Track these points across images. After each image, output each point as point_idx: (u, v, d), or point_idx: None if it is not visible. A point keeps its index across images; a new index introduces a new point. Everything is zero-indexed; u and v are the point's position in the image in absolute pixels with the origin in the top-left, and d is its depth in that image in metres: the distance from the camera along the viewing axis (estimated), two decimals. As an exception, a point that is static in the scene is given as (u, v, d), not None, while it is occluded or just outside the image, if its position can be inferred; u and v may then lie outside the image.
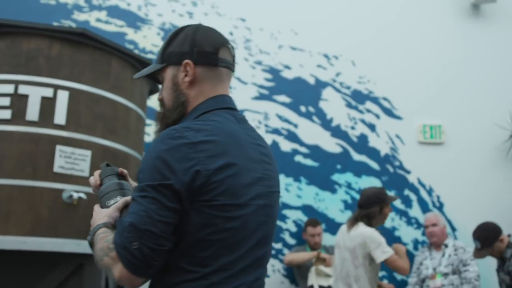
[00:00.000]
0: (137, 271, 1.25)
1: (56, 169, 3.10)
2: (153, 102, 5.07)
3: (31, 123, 3.13)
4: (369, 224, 3.48)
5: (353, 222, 3.53)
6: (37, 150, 3.09)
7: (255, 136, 1.48)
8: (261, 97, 5.46)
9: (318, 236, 4.92)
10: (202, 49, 1.44)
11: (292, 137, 5.41)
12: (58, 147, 3.14)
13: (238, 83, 5.43)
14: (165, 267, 1.30)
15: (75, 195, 3.08)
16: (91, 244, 1.38)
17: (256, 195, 1.36)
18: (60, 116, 3.19)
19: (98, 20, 5.20)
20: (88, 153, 3.24)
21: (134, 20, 5.32)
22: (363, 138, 5.61)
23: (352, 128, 5.61)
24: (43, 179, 3.06)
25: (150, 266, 1.25)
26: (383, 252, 3.36)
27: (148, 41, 5.29)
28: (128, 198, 1.41)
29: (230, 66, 1.50)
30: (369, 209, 3.50)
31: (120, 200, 1.42)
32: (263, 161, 1.44)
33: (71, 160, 3.17)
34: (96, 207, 1.48)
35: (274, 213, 1.46)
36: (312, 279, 4.59)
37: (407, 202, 5.53)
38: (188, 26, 1.50)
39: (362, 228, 3.46)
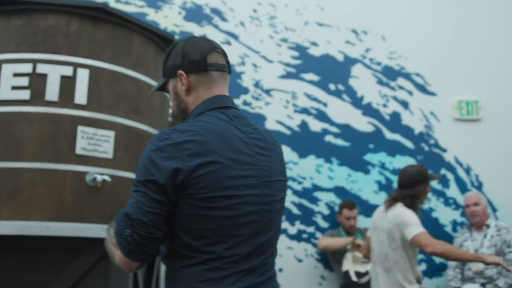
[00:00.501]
0: (131, 256, 1.43)
1: (78, 151, 2.95)
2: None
3: (51, 104, 2.97)
4: (412, 204, 3.26)
5: (391, 202, 3.31)
6: (58, 132, 2.94)
7: (250, 130, 1.57)
8: (288, 75, 5.24)
9: (353, 219, 4.70)
10: (191, 59, 1.59)
11: (321, 116, 5.19)
12: (80, 128, 2.98)
13: (264, 61, 5.22)
14: (171, 255, 1.48)
15: (99, 177, 2.92)
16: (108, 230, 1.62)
17: (248, 185, 1.48)
18: (80, 96, 3.03)
19: (118, 1, 5.03)
20: (111, 133, 3.08)
21: (155, 0, 5.14)
22: (396, 116, 5.36)
23: (384, 105, 5.37)
24: (65, 161, 2.91)
25: (142, 251, 1.41)
26: (412, 230, 3.13)
27: (170, 21, 5.11)
28: None
29: (222, 68, 1.62)
30: (414, 188, 3.28)
31: None
32: (258, 153, 1.54)
33: (94, 141, 3.01)
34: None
35: (275, 200, 1.56)
36: (348, 264, 4.39)
37: (444, 182, 5.27)
38: (180, 41, 1.66)
39: (399, 209, 3.24)
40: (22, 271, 2.79)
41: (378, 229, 3.39)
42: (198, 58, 1.59)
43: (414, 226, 3.10)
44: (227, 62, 1.67)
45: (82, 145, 2.97)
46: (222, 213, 1.43)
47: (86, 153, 2.97)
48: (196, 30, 5.10)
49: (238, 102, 5.01)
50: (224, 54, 1.66)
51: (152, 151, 1.45)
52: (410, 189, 3.28)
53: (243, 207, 1.47)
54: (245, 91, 5.09)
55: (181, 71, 1.59)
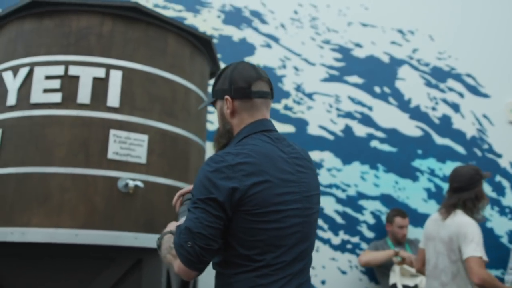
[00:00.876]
0: (191, 265, 1.54)
1: (110, 155, 2.83)
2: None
3: (83, 106, 2.87)
4: (474, 208, 2.96)
5: (449, 209, 3.02)
6: (90, 136, 2.83)
7: (290, 150, 1.72)
8: (331, 78, 5.03)
9: (406, 228, 4.43)
10: (237, 86, 1.72)
11: (366, 120, 4.94)
12: (112, 132, 2.86)
13: (305, 64, 5.02)
14: (224, 263, 1.61)
15: (131, 183, 2.79)
16: (159, 247, 1.73)
17: (292, 201, 1.63)
18: (113, 98, 2.92)
19: (156, 5, 4.94)
20: (144, 137, 2.95)
21: (193, 4, 5.03)
22: (446, 119, 5.06)
23: (433, 109, 5.07)
24: (97, 166, 2.80)
25: (201, 261, 1.54)
26: (472, 250, 2.83)
27: (209, 25, 4.98)
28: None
29: (264, 95, 1.75)
30: (475, 189, 2.98)
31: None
32: (298, 171, 1.70)
33: (127, 145, 2.89)
34: (172, 222, 1.84)
35: (313, 213, 1.72)
36: (395, 277, 4.12)
37: (499, 189, 4.93)
38: (228, 66, 1.79)
39: (462, 218, 2.95)
40: (51, 280, 2.68)
41: (435, 239, 3.09)
42: (244, 86, 1.72)
43: (475, 247, 2.81)
44: (271, 89, 1.80)
45: (114, 150, 2.84)
46: (271, 225, 1.59)
47: (119, 158, 2.85)
48: (235, 33, 4.96)
49: (279, 106, 4.83)
50: (268, 82, 1.79)
51: (210, 172, 1.57)
52: (470, 191, 2.98)
53: (288, 220, 1.62)
54: (286, 95, 4.90)
55: (227, 96, 1.73)
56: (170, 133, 3.10)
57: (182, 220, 1.70)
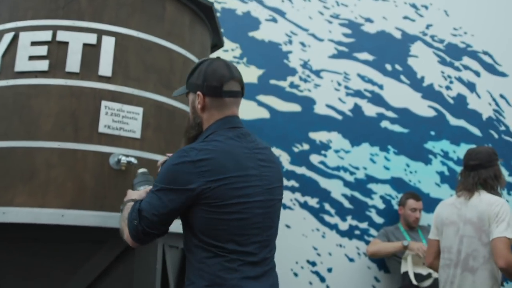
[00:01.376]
0: (134, 239, 1.77)
1: (101, 129, 2.58)
2: (219, 55, 4.51)
3: (72, 75, 2.61)
4: (494, 186, 2.76)
5: (471, 188, 2.79)
6: (79, 107, 2.58)
7: (253, 146, 1.84)
8: (339, 55, 4.75)
9: (419, 211, 4.19)
10: (210, 84, 1.83)
11: (377, 100, 4.68)
12: (104, 103, 2.61)
13: (313, 40, 4.74)
14: (194, 248, 1.76)
15: (124, 159, 2.54)
16: (121, 211, 1.93)
17: (254, 194, 1.77)
18: (105, 67, 2.66)
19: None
20: (139, 110, 2.70)
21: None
22: (460, 99, 4.80)
23: (448, 88, 4.80)
24: (87, 141, 2.55)
25: (142, 240, 1.77)
26: (504, 230, 2.60)
27: (210, -3, 4.69)
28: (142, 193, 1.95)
29: (235, 95, 1.87)
30: (494, 166, 2.79)
31: (148, 187, 1.95)
32: (260, 166, 1.82)
33: (119, 118, 2.63)
34: (130, 190, 2.08)
35: (276, 204, 1.88)
36: (407, 266, 3.88)
37: (517, 174, 4.68)
38: (204, 61, 1.90)
39: (489, 196, 2.72)
40: (37, 265, 2.45)
41: (456, 223, 2.84)
42: (216, 85, 1.83)
43: (506, 227, 2.58)
44: (242, 88, 1.91)
45: (106, 123, 2.59)
46: (234, 216, 1.72)
47: (111, 132, 2.60)
48: (239, 6, 4.68)
49: (284, 84, 4.57)
50: (240, 82, 1.90)
51: (173, 165, 1.73)
52: (489, 168, 2.78)
53: (250, 211, 1.76)
54: (293, 72, 4.63)
55: (199, 92, 1.85)
56: (167, 106, 2.84)
57: (142, 188, 2.07)
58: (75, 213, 2.39)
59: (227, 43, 4.57)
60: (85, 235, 2.47)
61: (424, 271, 3.85)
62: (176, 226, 2.61)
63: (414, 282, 3.81)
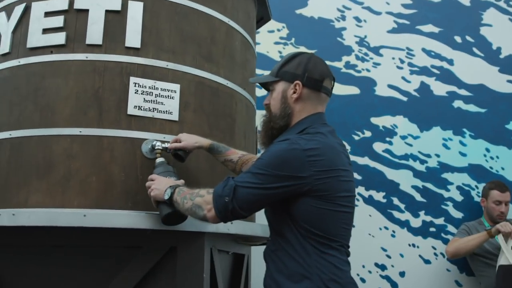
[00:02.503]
0: (220, 215, 1.67)
1: (131, 110, 2.12)
2: (264, 37, 4.02)
3: (94, 48, 2.18)
4: None
5: None
6: (103, 85, 2.13)
7: (343, 146, 1.81)
8: (400, 29, 4.19)
9: (506, 205, 3.57)
10: (311, 75, 1.80)
11: (447, 77, 4.09)
12: (133, 80, 2.16)
13: (368, 14, 4.21)
14: (301, 240, 1.65)
15: (159, 145, 2.08)
16: (171, 196, 1.83)
17: (353, 189, 1.77)
18: (133, 37, 2.21)
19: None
20: (176, 87, 2.23)
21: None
22: (545, 72, 4.15)
23: (529, 59, 4.17)
24: (113, 125, 2.10)
25: (226, 218, 1.68)
26: None
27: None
28: (179, 183, 1.92)
29: (329, 93, 1.86)
30: None
31: (179, 181, 1.95)
32: (348, 163, 1.78)
33: (152, 97, 2.17)
34: (157, 176, 1.97)
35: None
36: (504, 257, 3.27)
37: None
38: (303, 53, 1.86)
39: None
40: (55, 278, 2.01)
41: None
42: (317, 78, 1.79)
43: None
44: (332, 88, 1.87)
45: (136, 103, 2.14)
46: (341, 209, 1.68)
47: (142, 114, 2.15)
48: (284, -19, 4.18)
49: (339, 65, 4.05)
50: (333, 82, 1.87)
51: (282, 151, 1.64)
52: None
53: (352, 206, 1.75)
54: (348, 51, 4.10)
55: (298, 81, 1.78)
56: (209, 82, 2.36)
57: (172, 178, 1.95)
58: (101, 213, 1.93)
59: (273, 23, 4.08)
60: (115, 240, 2.01)
61: None
62: (226, 226, 2.15)
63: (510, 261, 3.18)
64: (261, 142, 1.86)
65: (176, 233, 2.00)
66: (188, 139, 2.09)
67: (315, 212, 1.63)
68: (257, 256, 3.37)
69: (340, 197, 1.67)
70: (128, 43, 2.19)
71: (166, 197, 1.82)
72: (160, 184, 1.88)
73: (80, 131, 2.06)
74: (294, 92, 1.78)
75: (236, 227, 2.15)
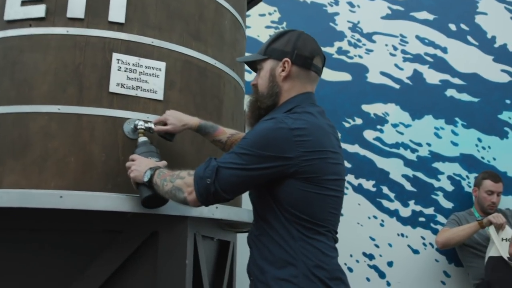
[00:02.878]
0: (200, 198, 1.58)
1: (113, 88, 2.02)
2: (255, 20, 3.92)
3: (75, 22, 2.06)
4: None
5: None
6: (85, 61, 2.02)
7: (333, 127, 1.73)
8: (394, 15, 4.11)
9: (497, 195, 3.52)
10: (301, 53, 1.71)
11: (440, 65, 4.03)
12: (116, 56, 2.05)
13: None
14: (286, 224, 1.57)
15: (142, 124, 1.98)
16: (150, 178, 1.74)
17: (342, 172, 1.68)
18: (117, 11, 2.10)
19: None
20: (161, 65, 2.13)
21: None
22: (540, 61, 4.10)
23: (524, 49, 4.11)
24: (94, 103, 1.99)
25: (207, 201, 1.59)
26: None
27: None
28: (161, 164, 1.83)
29: (319, 72, 1.77)
30: None
31: (160, 162, 1.85)
32: (338, 146, 1.71)
33: (136, 75, 2.07)
34: (138, 156, 1.87)
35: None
36: (493, 243, 3.24)
37: None
38: (292, 31, 1.77)
39: None
40: (31, 263, 1.91)
41: None
42: (307, 55, 1.71)
43: None
44: (323, 67, 1.80)
45: (119, 80, 2.04)
46: (330, 193, 1.59)
47: (125, 92, 2.04)
48: (276, -37, 4.07)
49: (331, 50, 3.96)
50: (324, 60, 1.80)
51: (267, 130, 1.56)
52: None
53: (341, 190, 1.67)
54: (340, 36, 4.01)
55: (287, 59, 1.70)
56: (197, 61, 2.26)
57: (154, 159, 1.86)
58: (79, 195, 1.83)
59: (264, 6, 3.98)
60: (93, 224, 1.92)
61: None
62: (210, 210, 2.07)
63: (504, 254, 3.16)
64: (248, 123, 1.78)
65: (158, 217, 1.92)
66: (175, 122, 1.99)
67: (301, 196, 1.55)
68: (243, 243, 3.30)
69: (327, 180, 1.59)
70: (111, 18, 2.08)
71: (146, 179, 1.73)
72: (141, 165, 1.79)
73: (59, 109, 1.96)
74: (283, 70, 1.70)
75: (221, 211, 2.07)
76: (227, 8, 2.50)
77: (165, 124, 2.00)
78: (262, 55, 1.75)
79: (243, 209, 2.24)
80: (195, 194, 1.56)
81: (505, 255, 3.16)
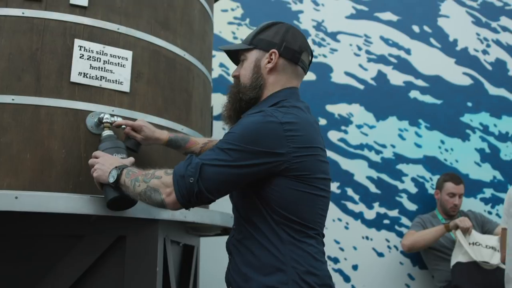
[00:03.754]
0: (181, 199, 1.40)
1: (75, 78, 1.83)
2: (217, 16, 3.77)
3: (32, 3, 1.87)
4: None
5: None
6: (43, 47, 1.82)
7: (318, 124, 1.61)
8: (358, 15, 4.05)
9: (459, 197, 3.51)
10: (289, 46, 1.61)
11: (404, 66, 3.98)
12: (78, 43, 1.86)
13: (327, -2, 4.04)
14: (275, 227, 1.45)
15: (107, 117, 1.80)
16: (117, 178, 1.54)
17: (328, 171, 1.57)
18: (79, -7, 1.91)
19: None
20: (128, 54, 1.96)
21: None
22: (500, 65, 4.14)
23: (485, 52, 4.13)
24: (53, 94, 1.80)
25: (189, 203, 1.42)
26: None
27: None
28: (128, 162, 1.64)
29: (305, 68, 1.68)
30: None
31: (127, 160, 1.67)
32: (322, 142, 1.58)
33: (100, 64, 1.89)
34: (102, 153, 1.68)
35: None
36: (460, 246, 3.22)
37: None
38: (282, 23, 1.66)
39: None
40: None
41: None
42: (296, 49, 1.62)
43: None
44: (309, 64, 1.71)
45: (81, 69, 1.84)
46: (319, 193, 1.49)
47: (88, 82, 1.86)
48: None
49: (295, 48, 3.84)
50: (311, 57, 1.71)
51: (256, 123, 1.43)
52: None
53: (329, 190, 1.57)
54: (305, 35, 3.89)
55: (275, 50, 1.60)
56: (166, 52, 2.10)
57: (119, 156, 1.68)
58: (36, 196, 1.63)
59: (227, 2, 3.85)
60: (52, 228, 1.72)
61: (489, 257, 3.18)
62: (182, 213, 1.90)
63: (476, 258, 3.13)
64: (226, 116, 1.63)
65: (126, 220, 1.74)
66: (149, 133, 1.84)
67: (291, 195, 1.43)
68: (204, 248, 3.15)
69: (317, 179, 1.48)
70: (73, 0, 1.89)
71: (112, 179, 1.55)
72: (105, 163, 1.61)
73: (13, 99, 1.75)
74: (269, 62, 1.58)
75: (193, 214, 1.91)
76: (197, -2, 2.35)
77: (135, 131, 1.83)
78: (248, 45, 1.63)
79: (216, 211, 2.09)
80: (174, 195, 1.40)
81: (478, 259, 3.14)
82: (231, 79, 3.98)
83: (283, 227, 1.43)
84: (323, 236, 1.54)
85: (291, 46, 1.60)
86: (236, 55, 1.69)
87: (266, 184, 1.43)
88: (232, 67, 3.79)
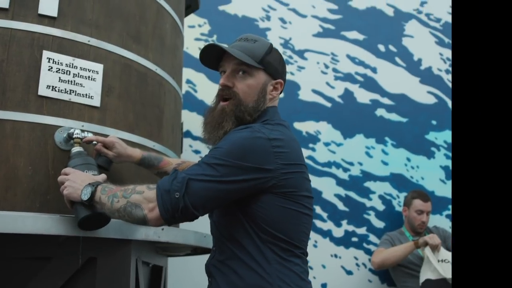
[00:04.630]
0: (165, 215, 1.34)
1: (43, 91, 1.75)
2: (184, 31, 3.72)
3: (-3, 13, 1.77)
4: None
5: None
6: (9, 59, 1.73)
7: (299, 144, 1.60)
8: (325, 33, 4.07)
9: (427, 214, 3.53)
10: (284, 77, 1.63)
11: (370, 84, 4.02)
12: (47, 55, 1.78)
13: (294, 16, 4.05)
14: (260, 244, 1.40)
15: (78, 133, 1.72)
16: (91, 196, 1.45)
17: (310, 189, 1.53)
18: (48, 3, 1.84)
19: None
20: (98, 67, 1.88)
21: None
22: (462, 85, 4.21)
23: (448, 71, 4.23)
24: (20, 108, 1.71)
25: (173, 219, 1.35)
26: None
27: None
28: (100, 179, 1.54)
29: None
30: None
31: (99, 176, 1.58)
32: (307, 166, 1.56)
33: (70, 77, 1.81)
34: (72, 169, 1.59)
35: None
36: (428, 263, 3.23)
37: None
38: (272, 46, 1.59)
39: None
40: None
41: None
42: (285, 79, 1.64)
43: None
44: None
45: (49, 82, 1.76)
46: (305, 211, 1.46)
47: (57, 96, 1.77)
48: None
49: (263, 65, 3.82)
50: None
51: (243, 139, 1.40)
52: None
53: (312, 208, 1.52)
54: (272, 52, 3.89)
55: (281, 81, 1.60)
56: (137, 66, 2.03)
57: (91, 172, 1.62)
58: (1, 215, 1.53)
59: (194, 18, 3.81)
60: (17, 250, 1.62)
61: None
62: (156, 233, 1.83)
63: (445, 275, 3.15)
64: (210, 130, 1.51)
65: (97, 240, 1.65)
66: (121, 150, 1.78)
67: (278, 213, 1.40)
68: (171, 269, 3.06)
69: (303, 197, 1.45)
70: (42, 10, 1.82)
71: (85, 197, 1.46)
72: (76, 180, 1.52)
73: (-24, 113, 1.65)
74: (274, 90, 1.56)
75: (166, 234, 1.83)
76: (169, 12, 2.30)
77: (106, 147, 1.76)
78: (257, 63, 1.52)
79: (189, 230, 2.02)
80: (158, 210, 1.33)
81: (447, 276, 3.16)
82: (198, 96, 3.91)
83: (269, 246, 1.39)
84: (307, 255, 1.50)
85: (283, 77, 1.61)
86: (219, 57, 1.58)
87: (253, 201, 1.39)
88: (199, 84, 3.76)
